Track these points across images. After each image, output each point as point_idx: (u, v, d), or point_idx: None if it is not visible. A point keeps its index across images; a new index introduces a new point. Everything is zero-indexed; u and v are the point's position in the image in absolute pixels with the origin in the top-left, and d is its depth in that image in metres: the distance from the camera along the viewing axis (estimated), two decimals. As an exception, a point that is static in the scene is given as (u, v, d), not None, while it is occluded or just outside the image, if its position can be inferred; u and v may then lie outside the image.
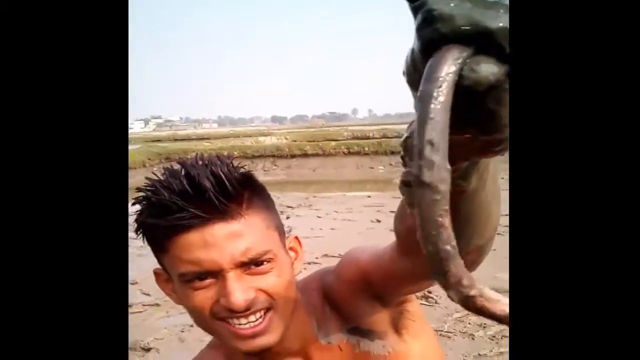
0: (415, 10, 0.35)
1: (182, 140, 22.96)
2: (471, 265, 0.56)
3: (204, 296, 0.76)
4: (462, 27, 0.33)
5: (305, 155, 16.53)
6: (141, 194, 0.76)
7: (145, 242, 0.79)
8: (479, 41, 0.34)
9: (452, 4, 0.34)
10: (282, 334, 0.79)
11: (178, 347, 3.93)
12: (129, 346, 3.71)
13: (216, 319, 0.77)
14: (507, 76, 0.35)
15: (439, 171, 0.34)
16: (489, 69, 0.34)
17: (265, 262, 0.77)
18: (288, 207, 9.24)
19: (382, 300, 0.84)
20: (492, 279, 4.87)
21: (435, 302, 4.33)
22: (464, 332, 3.87)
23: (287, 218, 8.06)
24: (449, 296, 0.36)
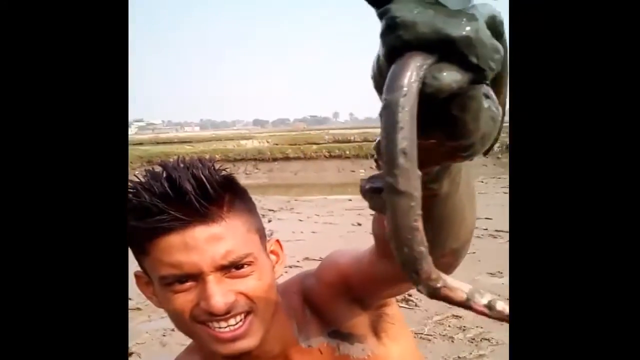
0: (379, 17, 0.35)
1: (164, 143, 22.82)
2: (448, 267, 0.57)
3: (184, 299, 0.76)
4: (425, 35, 0.34)
5: (286, 158, 16.52)
6: None
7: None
8: (442, 49, 0.34)
9: (415, 12, 0.34)
10: (262, 337, 0.79)
11: (160, 352, 3.90)
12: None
13: (196, 322, 0.77)
14: (472, 84, 0.35)
15: (413, 179, 0.35)
16: (451, 77, 0.34)
17: (245, 266, 0.77)
18: (270, 210, 9.21)
19: (361, 304, 0.84)
20: (471, 281, 4.91)
21: (415, 305, 4.35)
22: (443, 335, 3.89)
23: (269, 221, 8.04)
24: (418, 290, 0.38)
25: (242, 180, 0.86)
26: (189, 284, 0.75)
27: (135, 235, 0.76)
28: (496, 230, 6.72)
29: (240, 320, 0.77)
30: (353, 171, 14.49)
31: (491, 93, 0.39)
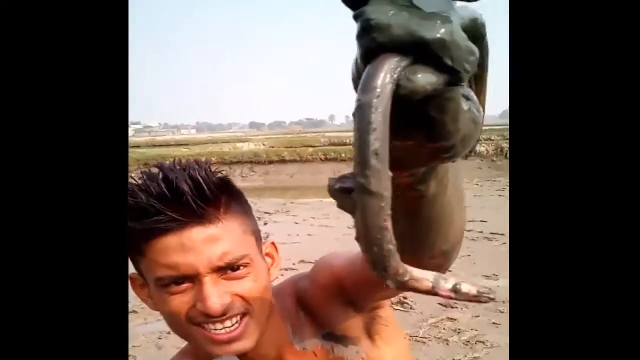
0: (354, 19, 0.35)
1: (160, 146, 22.79)
2: (438, 269, 0.57)
3: (180, 301, 0.76)
4: (399, 37, 0.34)
5: (282, 161, 16.50)
6: None
7: None
8: (416, 51, 0.34)
9: (389, 14, 0.34)
10: (257, 339, 0.79)
11: (156, 354, 3.89)
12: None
13: (192, 324, 0.77)
14: (448, 85, 0.36)
15: (384, 180, 0.35)
16: (426, 79, 0.34)
17: (241, 267, 0.77)
18: (265, 213, 9.21)
19: (355, 306, 0.84)
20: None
21: (410, 308, 4.35)
22: (438, 338, 3.89)
23: (265, 224, 8.03)
24: (385, 284, 0.39)
25: (238, 183, 0.87)
26: (185, 285, 0.75)
27: (132, 237, 0.75)
28: (491, 233, 6.73)
29: (236, 322, 0.77)
30: (349, 174, 14.42)
31: (472, 95, 0.39)
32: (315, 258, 0.89)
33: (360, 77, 0.36)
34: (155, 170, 0.77)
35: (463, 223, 0.57)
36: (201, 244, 0.74)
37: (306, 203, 10.66)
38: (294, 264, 5.08)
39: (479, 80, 0.42)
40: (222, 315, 0.75)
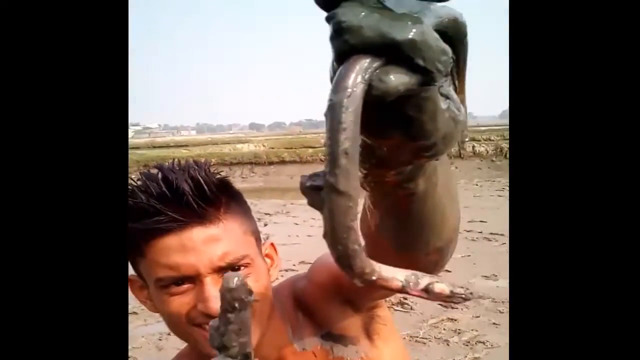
0: (327, 21, 0.36)
1: (160, 147, 22.77)
2: (434, 266, 0.57)
3: (181, 302, 0.76)
4: (370, 39, 0.34)
5: (282, 162, 16.50)
6: None
7: None
8: (388, 52, 0.35)
9: (361, 16, 0.34)
10: (258, 340, 0.78)
11: (156, 356, 3.89)
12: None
13: (192, 325, 0.76)
14: (422, 85, 0.36)
15: (353, 180, 0.36)
16: (398, 79, 0.35)
17: (242, 268, 0.77)
18: (266, 214, 9.21)
19: (353, 305, 0.84)
20: (466, 284, 4.90)
21: (411, 309, 4.35)
22: (438, 338, 3.90)
23: (265, 225, 8.03)
24: (354, 282, 0.39)
25: (238, 184, 0.87)
26: (185, 286, 0.75)
27: (132, 237, 0.75)
28: (491, 233, 6.73)
29: None
30: (349, 175, 14.40)
31: (452, 93, 0.40)
32: (315, 259, 0.89)
33: None
34: (155, 171, 0.77)
35: (457, 220, 0.57)
36: (202, 244, 0.74)
37: (306, 204, 10.64)
38: (294, 265, 5.07)
39: (460, 79, 0.42)
40: None
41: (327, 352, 0.85)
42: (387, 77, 0.35)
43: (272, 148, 19.31)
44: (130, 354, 3.87)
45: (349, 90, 0.34)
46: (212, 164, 0.82)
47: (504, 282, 4.81)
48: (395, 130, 0.39)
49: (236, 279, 0.47)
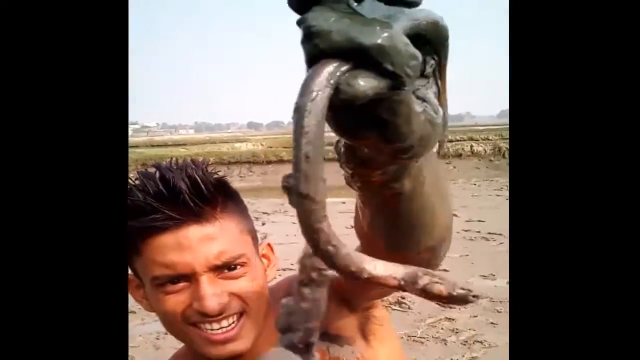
0: (297, 25, 0.36)
1: (158, 146, 22.81)
2: (427, 264, 0.58)
3: (176, 300, 0.76)
4: (339, 43, 0.35)
5: (281, 161, 16.52)
6: None
7: None
8: (356, 57, 0.35)
9: (330, 20, 0.35)
10: (254, 340, 0.79)
11: (153, 355, 3.89)
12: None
13: (188, 324, 0.77)
14: (392, 89, 0.36)
15: (314, 183, 0.36)
16: (366, 84, 0.35)
17: (238, 266, 0.77)
18: (263, 213, 9.21)
19: (349, 305, 0.84)
20: (464, 284, 4.91)
21: (409, 308, 4.36)
22: (436, 338, 3.90)
23: (263, 224, 8.03)
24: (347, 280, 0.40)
25: (236, 183, 0.87)
26: (181, 284, 0.75)
27: (128, 235, 0.75)
28: (489, 233, 6.74)
29: (233, 322, 0.77)
30: (347, 174, 14.48)
31: (429, 97, 0.40)
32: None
33: None
34: (152, 169, 0.78)
35: (448, 219, 0.58)
36: (198, 242, 0.74)
37: (305, 203, 10.65)
38: (291, 264, 5.06)
39: (442, 79, 0.43)
40: (219, 315, 0.75)
41: (323, 352, 0.85)
42: (355, 81, 0.35)
43: (270, 147, 19.35)
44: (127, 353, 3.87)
45: (313, 94, 0.34)
46: (210, 163, 0.82)
47: (501, 282, 4.82)
48: (370, 133, 0.40)
49: None
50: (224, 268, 0.76)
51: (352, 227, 0.61)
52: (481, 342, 3.80)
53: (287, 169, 0.37)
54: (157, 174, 0.76)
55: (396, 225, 0.53)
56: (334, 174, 0.49)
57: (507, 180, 0.53)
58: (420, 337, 3.91)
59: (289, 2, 0.37)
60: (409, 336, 3.89)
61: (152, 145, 23.10)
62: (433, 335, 3.95)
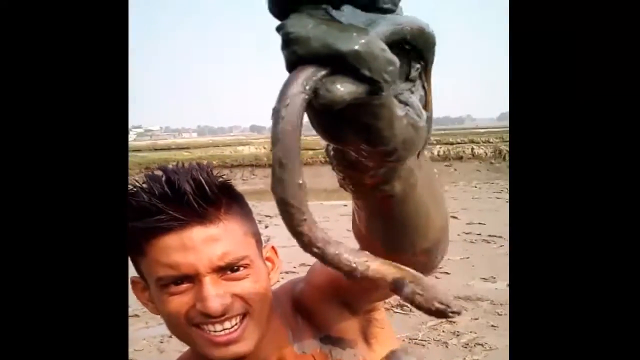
0: (277, 31, 0.37)
1: (162, 149, 22.74)
2: (423, 267, 0.58)
3: (180, 301, 0.76)
4: (316, 49, 0.36)
5: (283, 164, 16.36)
6: None
7: None
8: (334, 63, 0.36)
9: (309, 27, 0.36)
10: (257, 342, 0.79)
11: (157, 358, 3.89)
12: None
13: (191, 325, 0.77)
14: (371, 94, 0.37)
15: (289, 187, 0.37)
16: (344, 89, 0.36)
17: (241, 268, 0.77)
18: (266, 216, 9.17)
19: (350, 308, 0.85)
20: (465, 286, 4.91)
21: (410, 311, 4.34)
22: (437, 340, 3.90)
23: (266, 227, 8.00)
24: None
25: (239, 186, 0.88)
26: (184, 285, 0.76)
27: (133, 237, 0.76)
28: (489, 236, 6.72)
29: (236, 324, 0.77)
30: (348, 177, 14.34)
31: (411, 101, 0.41)
32: (315, 261, 0.89)
33: None
34: (158, 172, 0.78)
35: (443, 221, 0.58)
36: (202, 243, 0.75)
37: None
38: (294, 267, 5.06)
39: (427, 82, 0.44)
40: (222, 316, 0.75)
41: (325, 355, 0.85)
42: (333, 86, 0.36)
43: (273, 150, 19.20)
44: (131, 356, 3.87)
45: (288, 100, 0.35)
46: (213, 166, 0.83)
47: (502, 285, 4.81)
48: (354, 137, 0.41)
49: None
50: (227, 269, 0.77)
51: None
52: (482, 345, 3.79)
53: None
54: (163, 177, 0.77)
55: (390, 228, 0.54)
56: (333, 177, 0.51)
57: (508, 182, 0.54)
58: (422, 340, 3.90)
59: (270, 9, 0.38)
60: (410, 339, 3.89)
61: (156, 149, 23.03)
62: (434, 338, 3.94)
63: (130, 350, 3.91)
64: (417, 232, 0.55)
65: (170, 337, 3.99)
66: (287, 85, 0.36)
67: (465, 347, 3.78)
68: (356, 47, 0.36)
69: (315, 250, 0.39)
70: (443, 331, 4.03)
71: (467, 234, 6.83)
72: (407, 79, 0.42)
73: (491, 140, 16.92)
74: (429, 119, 0.43)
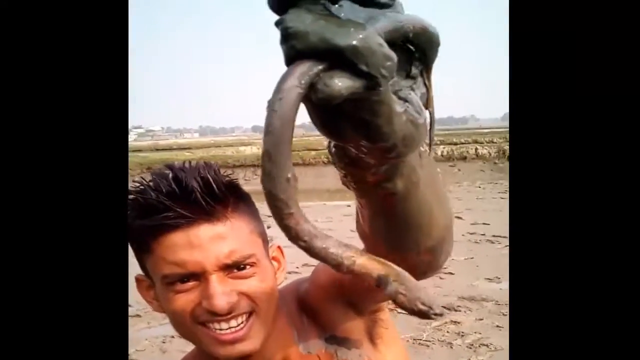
0: (276, 26, 0.37)
1: (163, 150, 22.84)
2: (428, 266, 0.58)
3: (186, 299, 0.76)
4: (314, 44, 0.36)
5: (285, 164, 16.42)
6: (130, 196, 0.76)
7: (129, 249, 0.79)
8: (331, 58, 0.36)
9: (307, 22, 0.36)
10: (262, 341, 0.79)
11: (160, 359, 3.89)
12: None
13: (197, 324, 0.77)
14: (368, 89, 0.37)
15: (277, 181, 0.37)
16: (342, 84, 0.36)
17: (248, 266, 0.77)
18: (269, 216, 9.12)
19: (355, 308, 0.84)
20: (469, 287, 4.91)
21: (413, 311, 4.35)
22: (442, 341, 3.89)
23: (268, 227, 7.94)
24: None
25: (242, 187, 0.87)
26: (191, 283, 0.76)
27: (140, 234, 0.76)
28: (494, 236, 6.72)
29: (242, 322, 0.77)
30: (352, 177, 14.41)
31: (411, 97, 0.41)
32: (318, 261, 0.89)
33: None
34: (166, 170, 0.78)
35: (447, 219, 0.58)
36: (208, 241, 0.75)
37: (309, 206, 10.65)
38: (297, 267, 5.06)
39: (428, 79, 0.44)
40: (228, 314, 0.75)
41: (331, 355, 0.85)
42: (331, 81, 0.36)
43: (275, 151, 19.27)
44: (133, 356, 3.87)
45: (282, 93, 0.36)
46: (219, 166, 0.83)
47: (507, 285, 4.81)
48: (353, 133, 0.41)
49: None
50: (234, 267, 0.76)
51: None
52: (487, 345, 3.79)
53: (291, 173, 0.38)
54: (170, 174, 0.76)
55: (393, 226, 0.54)
56: (336, 177, 0.50)
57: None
58: (426, 341, 3.90)
59: (269, 4, 0.38)
60: (414, 339, 3.88)
61: (157, 149, 23.13)
62: (439, 338, 3.94)
63: (132, 350, 3.92)
64: (421, 231, 0.55)
65: (173, 337, 4.00)
66: (282, 79, 0.36)
67: (470, 348, 3.78)
68: (354, 42, 0.36)
69: (302, 243, 0.39)
70: (448, 332, 4.02)
71: (471, 234, 6.84)
72: (408, 76, 0.42)
73: (495, 140, 16.95)
74: (432, 118, 0.44)
